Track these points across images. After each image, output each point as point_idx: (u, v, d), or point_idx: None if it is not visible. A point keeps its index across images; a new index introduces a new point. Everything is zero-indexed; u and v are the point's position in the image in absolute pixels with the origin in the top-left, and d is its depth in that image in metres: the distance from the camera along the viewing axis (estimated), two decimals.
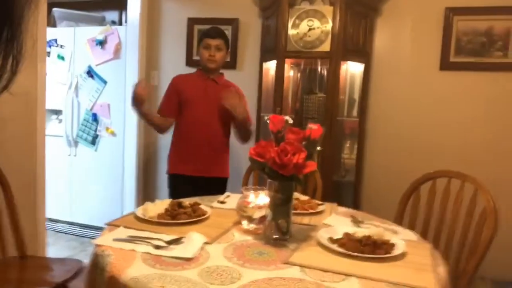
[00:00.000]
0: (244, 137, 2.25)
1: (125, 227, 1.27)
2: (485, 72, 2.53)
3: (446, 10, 2.55)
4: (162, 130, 2.30)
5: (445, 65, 2.59)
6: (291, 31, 2.53)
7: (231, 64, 3.01)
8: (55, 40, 3.48)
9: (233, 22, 2.99)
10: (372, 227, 1.39)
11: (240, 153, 2.87)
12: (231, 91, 2.12)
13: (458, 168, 1.77)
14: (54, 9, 3.71)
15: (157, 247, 1.12)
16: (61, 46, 3.46)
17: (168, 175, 2.30)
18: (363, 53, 2.66)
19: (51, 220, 3.38)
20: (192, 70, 3.12)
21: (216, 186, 2.16)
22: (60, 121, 3.54)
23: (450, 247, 1.61)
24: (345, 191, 2.72)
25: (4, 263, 1.73)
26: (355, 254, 1.12)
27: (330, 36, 2.46)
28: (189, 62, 3.11)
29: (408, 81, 2.69)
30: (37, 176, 2.38)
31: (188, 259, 1.05)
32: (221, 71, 2.31)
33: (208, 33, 2.21)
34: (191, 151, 2.20)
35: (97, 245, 1.13)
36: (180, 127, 2.25)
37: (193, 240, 1.17)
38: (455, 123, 2.60)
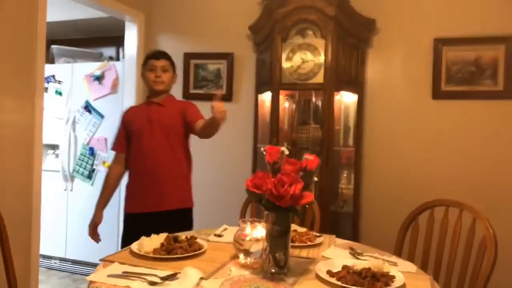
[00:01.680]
0: (212, 133, 1.96)
1: (120, 262, 1.25)
2: (477, 100, 2.57)
3: (435, 41, 2.63)
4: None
5: (437, 94, 2.64)
6: (285, 64, 2.59)
7: (227, 97, 3.06)
8: (53, 76, 3.54)
9: (228, 56, 3.06)
10: (371, 259, 1.37)
11: (236, 185, 2.86)
12: (218, 97, 1.81)
13: (456, 196, 1.77)
14: (53, 46, 3.80)
15: (152, 283, 1.09)
16: (59, 82, 3.52)
17: (125, 213, 2.13)
18: (356, 84, 2.71)
19: (44, 256, 3.31)
20: (193, 101, 3.18)
21: (178, 219, 2.00)
22: (57, 155, 3.54)
23: (450, 278, 1.58)
24: (343, 222, 2.69)
25: None
26: (354, 287, 1.10)
27: (323, 68, 2.51)
28: (186, 95, 3.15)
29: (401, 110, 2.73)
30: (32, 211, 2.35)
31: None
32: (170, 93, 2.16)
33: (152, 55, 2.11)
34: (138, 185, 2.05)
35: (91, 282, 1.11)
36: (131, 160, 2.09)
37: (189, 275, 1.14)
38: (450, 151, 2.62)
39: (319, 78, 2.53)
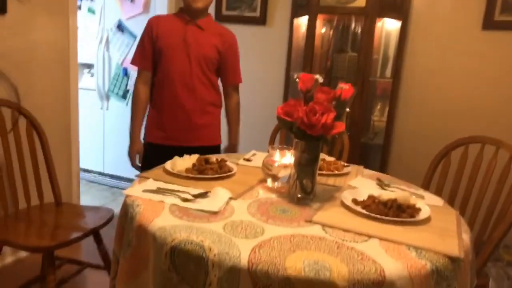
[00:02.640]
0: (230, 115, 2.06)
1: (155, 179, 1.31)
2: None
3: None
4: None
5: (489, 24, 2.42)
6: None
7: (261, 20, 2.93)
8: None
9: None
10: (398, 191, 1.37)
11: (266, 112, 2.86)
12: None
13: (497, 134, 1.70)
14: None
15: (185, 199, 1.16)
16: (92, 0, 3.46)
17: (145, 143, 1.96)
18: (400, 10, 2.51)
19: (84, 170, 3.55)
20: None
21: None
22: (92, 75, 3.61)
23: (476, 214, 1.58)
24: (372, 153, 2.68)
25: (41, 208, 1.85)
26: (379, 216, 1.12)
27: None
28: (218, 17, 3.04)
29: (447, 40, 2.54)
30: (71, 128, 2.48)
31: (213, 213, 1.09)
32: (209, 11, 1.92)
33: None
34: (166, 115, 1.86)
35: (128, 196, 1.18)
36: (158, 85, 1.87)
37: (219, 195, 1.20)
38: (495, 87, 2.46)
39: (361, 2, 2.36)
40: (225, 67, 1.94)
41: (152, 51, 1.84)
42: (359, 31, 2.47)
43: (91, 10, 3.48)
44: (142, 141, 1.98)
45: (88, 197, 3.27)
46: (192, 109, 1.87)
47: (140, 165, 1.96)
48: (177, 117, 1.86)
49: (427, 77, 2.61)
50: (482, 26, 2.44)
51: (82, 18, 3.42)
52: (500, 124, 2.43)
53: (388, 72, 2.63)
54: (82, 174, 3.38)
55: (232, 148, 2.09)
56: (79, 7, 3.41)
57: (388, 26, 2.57)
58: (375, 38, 2.44)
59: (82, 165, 2.87)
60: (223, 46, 1.89)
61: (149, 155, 1.95)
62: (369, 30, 2.38)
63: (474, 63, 2.50)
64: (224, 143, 2.09)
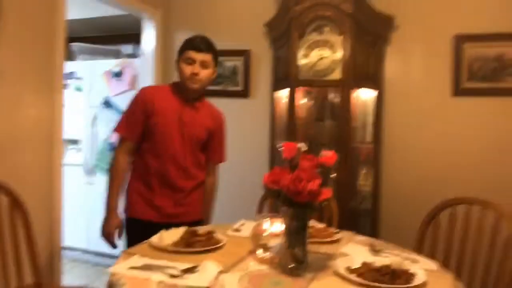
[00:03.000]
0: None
1: (141, 255, 1.26)
2: (499, 97, 2.51)
3: (455, 37, 2.57)
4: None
5: (458, 91, 2.59)
6: (302, 61, 2.57)
7: (244, 94, 3.07)
8: (74, 73, 3.61)
9: (244, 53, 3.06)
10: (391, 256, 1.35)
11: (253, 181, 2.86)
12: None
13: (477, 194, 1.74)
14: (73, 43, 3.87)
15: (172, 275, 1.11)
16: (79, 79, 3.58)
17: (128, 218, 1.81)
18: (374, 80, 2.68)
19: (67, 248, 3.39)
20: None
21: None
22: (79, 150, 3.61)
23: (473, 277, 1.55)
24: (362, 219, 2.67)
25: None
26: (374, 284, 1.09)
27: (340, 64, 2.49)
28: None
29: (421, 107, 2.69)
30: (54, 205, 2.41)
31: None
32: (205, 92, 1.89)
33: (194, 44, 1.75)
34: (158, 192, 1.76)
35: (113, 274, 1.13)
36: (146, 159, 1.77)
37: (208, 268, 1.15)
38: (471, 148, 2.57)
39: (336, 75, 2.50)
40: (212, 146, 1.91)
41: (142, 124, 1.75)
42: (337, 100, 2.60)
43: (78, 88, 3.59)
44: (121, 215, 1.83)
45: (71, 276, 3.10)
46: (185, 187, 1.81)
47: (117, 243, 1.81)
48: (169, 195, 1.78)
49: (405, 141, 2.71)
50: (452, 93, 2.61)
51: (70, 96, 3.51)
52: (482, 184, 2.48)
53: (369, 137, 2.72)
54: (65, 252, 3.22)
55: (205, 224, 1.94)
56: (67, 86, 3.52)
57: (365, 95, 2.72)
58: (353, 106, 2.56)
59: (66, 242, 2.75)
60: (214, 126, 1.89)
61: (133, 231, 1.78)
62: (346, 100, 2.50)
63: (448, 127, 2.62)
64: None
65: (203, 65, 1.74)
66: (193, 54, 1.73)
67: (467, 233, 1.63)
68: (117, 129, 1.78)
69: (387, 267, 1.16)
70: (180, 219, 1.73)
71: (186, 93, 1.79)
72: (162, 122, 1.74)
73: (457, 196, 1.75)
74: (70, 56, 3.79)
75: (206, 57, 1.75)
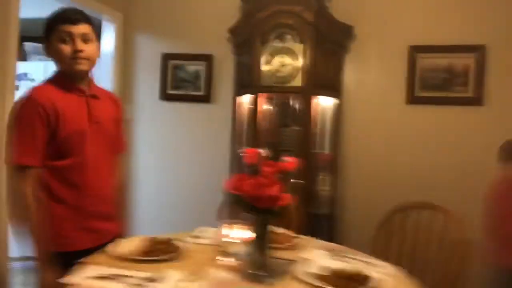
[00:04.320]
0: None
1: (96, 264, 1.22)
2: (449, 106, 2.66)
3: (410, 48, 2.70)
4: None
5: (412, 99, 2.72)
6: (264, 67, 2.60)
7: (206, 98, 3.05)
8: (25, 74, 3.43)
9: (207, 58, 3.05)
10: (348, 260, 1.39)
11: (213, 187, 2.85)
12: None
13: (430, 197, 1.82)
14: (26, 43, 3.68)
15: (130, 285, 1.07)
16: (32, 80, 3.41)
17: (60, 253, 1.33)
18: (333, 88, 2.75)
19: (13, 259, 3.19)
20: (167, 104, 3.17)
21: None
22: None
23: (424, 278, 1.63)
24: (320, 223, 2.72)
25: None
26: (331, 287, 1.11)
27: (301, 72, 2.54)
28: (164, 96, 3.13)
29: (377, 114, 2.79)
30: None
31: None
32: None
33: (66, 16, 1.39)
34: (89, 213, 1.43)
35: (68, 285, 1.08)
36: (65, 176, 1.39)
37: (168, 278, 1.13)
38: (424, 153, 2.70)
39: (297, 82, 2.56)
40: (118, 136, 1.59)
41: (46, 141, 1.35)
42: (298, 107, 2.64)
43: None
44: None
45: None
46: (108, 199, 1.52)
47: None
48: (100, 211, 1.47)
49: (363, 148, 2.81)
50: (406, 101, 2.73)
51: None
52: (434, 187, 2.61)
53: (327, 144, 2.79)
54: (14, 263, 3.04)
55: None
56: (18, 88, 3.34)
57: (324, 103, 2.79)
58: (313, 113, 2.61)
59: (11, 253, 2.60)
60: (118, 114, 1.60)
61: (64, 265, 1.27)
62: (306, 107, 2.55)
63: (403, 134, 2.75)
64: None
65: (84, 38, 1.40)
66: (68, 28, 1.38)
67: (417, 235, 1.71)
68: (14, 158, 1.33)
69: (343, 271, 1.19)
70: (111, 235, 1.50)
71: (75, 81, 1.43)
72: (76, 131, 1.39)
73: (409, 201, 1.83)
74: (22, 56, 3.60)
75: (86, 28, 1.41)
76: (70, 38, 1.38)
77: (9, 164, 1.35)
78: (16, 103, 1.39)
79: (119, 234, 1.54)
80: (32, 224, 1.31)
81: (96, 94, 1.50)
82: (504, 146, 2.09)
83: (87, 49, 1.41)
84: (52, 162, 1.37)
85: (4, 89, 2.25)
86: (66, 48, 1.38)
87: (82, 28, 1.40)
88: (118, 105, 1.64)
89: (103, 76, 3.16)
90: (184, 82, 3.10)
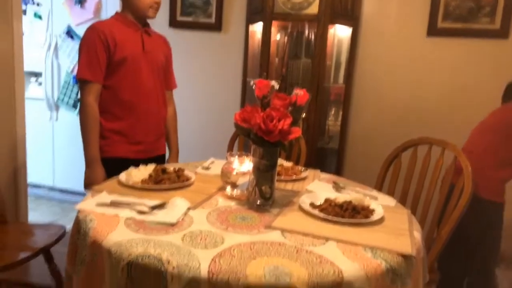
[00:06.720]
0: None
1: (109, 192, 1.27)
2: (472, 38, 2.52)
3: None
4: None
5: (433, 31, 2.57)
6: None
7: (216, 27, 2.93)
8: None
9: None
10: (353, 193, 1.42)
11: (224, 118, 2.85)
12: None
13: (443, 135, 1.80)
14: None
15: (141, 212, 1.12)
16: (38, 4, 3.30)
17: (106, 159, 1.73)
18: (351, 17, 2.61)
19: (32, 185, 3.36)
20: (176, 32, 3.05)
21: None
22: (40, 83, 3.44)
23: (427, 212, 1.66)
24: (328, 157, 2.75)
25: None
26: (335, 218, 1.15)
27: None
28: (173, 23, 3.01)
29: (395, 47, 2.67)
30: (17, 141, 2.34)
31: (171, 224, 1.06)
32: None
33: None
34: (139, 127, 1.77)
35: (80, 210, 1.13)
36: (119, 96, 1.71)
37: (177, 205, 1.18)
38: (441, 90, 2.62)
39: (314, 9, 2.42)
40: (168, 73, 1.93)
41: (106, 62, 1.68)
42: (313, 37, 2.53)
43: (37, 15, 3.32)
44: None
45: (37, 214, 3.10)
46: (163, 117, 1.89)
47: None
48: (150, 128, 1.82)
49: (377, 82, 2.73)
50: (426, 33, 2.59)
51: (28, 24, 3.25)
52: (444, 123, 2.58)
53: (341, 77, 2.71)
54: (30, 190, 3.20)
55: (176, 156, 2.03)
56: (24, 12, 3.25)
57: (340, 33, 2.66)
58: (328, 44, 2.51)
59: (30, 179, 2.72)
60: (168, 52, 1.93)
61: (113, 171, 1.57)
62: (322, 36, 2.44)
63: (420, 68, 2.64)
64: None
65: None
66: None
67: (425, 171, 1.72)
68: (80, 73, 1.67)
69: (348, 203, 1.22)
70: (156, 152, 1.86)
71: (140, 22, 1.79)
72: (130, 55, 1.70)
73: (420, 137, 1.81)
74: None
75: None
76: None
77: (77, 78, 1.70)
78: (85, 31, 1.71)
79: (164, 156, 1.90)
80: (88, 129, 1.67)
81: (149, 32, 1.82)
82: (509, 84, 2.03)
83: (160, 1, 1.77)
84: (111, 82, 1.69)
85: (11, 13, 2.19)
86: None
87: None
88: (168, 45, 1.95)
89: (111, 1, 3.04)
90: (193, 8, 2.97)
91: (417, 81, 2.66)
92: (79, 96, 2.71)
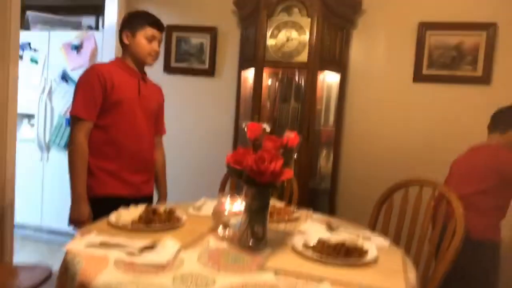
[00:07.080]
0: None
1: (98, 232, 1.24)
2: (456, 84, 2.62)
3: (419, 24, 2.65)
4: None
5: (418, 77, 2.68)
6: (270, 41, 2.56)
7: (210, 72, 3.02)
8: (29, 44, 3.41)
9: (212, 31, 3.00)
10: (346, 234, 1.41)
11: (216, 160, 2.86)
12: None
13: (431, 174, 1.83)
14: (28, 12, 3.64)
15: (130, 253, 1.10)
16: (35, 50, 3.39)
17: (96, 196, 1.72)
18: (339, 64, 2.72)
19: (19, 226, 3.27)
20: (170, 78, 3.14)
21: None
22: (33, 125, 3.45)
23: (420, 252, 1.65)
24: (321, 198, 2.75)
25: None
26: (329, 259, 1.13)
27: (307, 47, 2.50)
28: (168, 69, 3.10)
29: (382, 92, 2.77)
30: (6, 181, 2.31)
31: (161, 265, 1.04)
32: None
33: (154, 21, 1.81)
34: (127, 167, 1.79)
35: (68, 250, 1.10)
36: (112, 135, 1.74)
37: (167, 246, 1.15)
38: (428, 132, 2.68)
39: (303, 57, 2.52)
40: (159, 119, 2.00)
41: (101, 102, 1.71)
42: (303, 83, 2.62)
43: (33, 60, 3.40)
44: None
45: (22, 254, 3.00)
46: (152, 159, 1.93)
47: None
48: (140, 169, 1.84)
49: (366, 125, 2.79)
50: (412, 79, 2.70)
51: (24, 68, 3.32)
52: (431, 163, 2.61)
53: (331, 120, 2.78)
54: (17, 230, 3.12)
55: (165, 200, 2.04)
56: (21, 57, 3.32)
57: (329, 79, 2.76)
58: (317, 89, 2.59)
59: (18, 220, 2.66)
60: (161, 99, 2.00)
61: (101, 210, 1.55)
62: (311, 82, 2.53)
63: (407, 112, 2.72)
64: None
65: (159, 43, 1.85)
66: (155, 32, 1.80)
67: (417, 212, 1.72)
68: (75, 110, 1.69)
69: (341, 243, 1.21)
70: (145, 192, 1.88)
71: (139, 68, 1.85)
72: (125, 98, 1.75)
73: (410, 178, 1.84)
74: (25, 25, 3.56)
75: (162, 36, 1.86)
76: (153, 39, 1.79)
77: (71, 114, 1.72)
78: (83, 71, 1.76)
79: (152, 198, 1.91)
80: (76, 166, 1.68)
81: (145, 79, 1.89)
82: (494, 114, 2.09)
83: (159, 50, 1.84)
84: (105, 122, 1.73)
85: (8, 58, 2.24)
86: (148, 46, 1.79)
87: (161, 35, 1.84)
88: (162, 93, 2.01)
89: (107, 47, 3.14)
90: (188, 55, 3.07)
91: (405, 124, 2.73)
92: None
